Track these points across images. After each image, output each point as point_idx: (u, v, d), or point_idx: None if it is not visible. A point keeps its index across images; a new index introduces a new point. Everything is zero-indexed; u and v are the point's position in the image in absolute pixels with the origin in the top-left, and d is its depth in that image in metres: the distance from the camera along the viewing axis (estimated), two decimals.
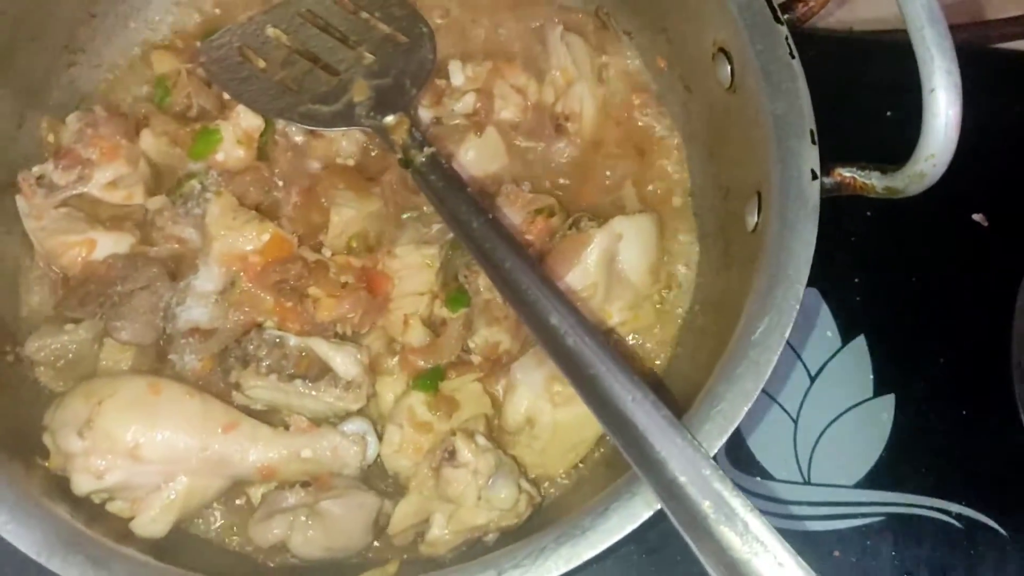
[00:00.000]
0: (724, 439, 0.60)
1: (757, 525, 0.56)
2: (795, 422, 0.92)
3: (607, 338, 0.70)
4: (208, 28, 0.88)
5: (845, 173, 0.67)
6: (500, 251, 0.67)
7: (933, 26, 0.58)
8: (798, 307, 0.63)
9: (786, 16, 0.72)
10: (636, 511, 0.59)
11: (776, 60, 0.70)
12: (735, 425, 0.60)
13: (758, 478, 0.90)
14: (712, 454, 0.59)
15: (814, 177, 0.66)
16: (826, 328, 0.95)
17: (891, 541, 0.88)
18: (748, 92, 0.72)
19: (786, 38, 0.70)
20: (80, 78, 0.86)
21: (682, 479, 0.57)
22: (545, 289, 0.65)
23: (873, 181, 0.66)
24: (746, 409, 0.61)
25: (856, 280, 0.97)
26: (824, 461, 0.91)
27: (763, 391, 0.89)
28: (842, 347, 0.95)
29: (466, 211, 0.69)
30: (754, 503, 0.85)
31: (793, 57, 0.70)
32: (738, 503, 0.56)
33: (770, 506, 0.89)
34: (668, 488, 0.57)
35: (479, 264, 0.70)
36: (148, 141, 0.82)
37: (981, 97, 1.02)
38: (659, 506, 0.58)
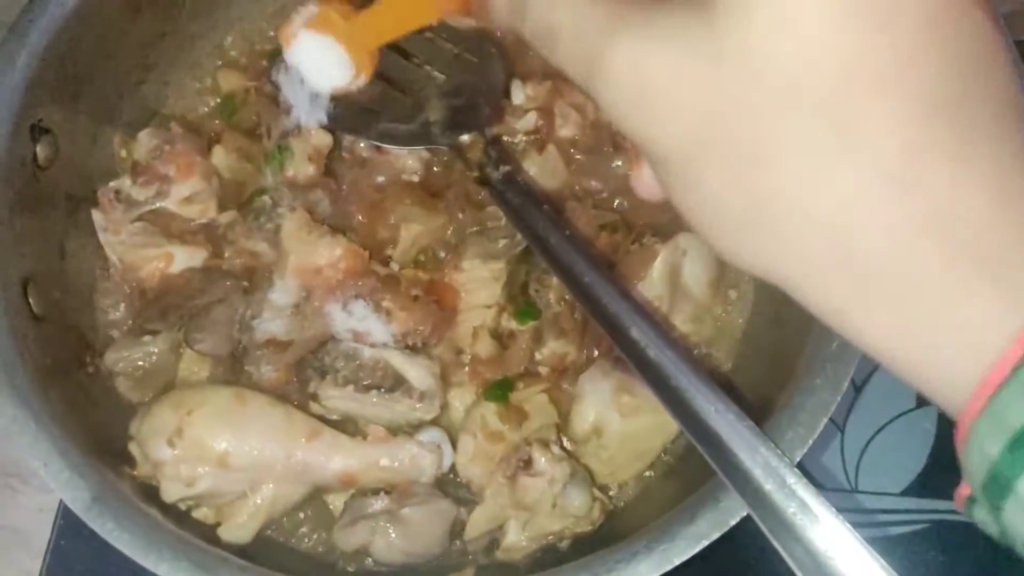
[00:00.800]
0: (806, 448, 0.63)
1: (840, 529, 0.58)
2: (842, 432, 0.95)
3: (687, 351, 0.72)
4: (274, 48, 0.91)
5: None
6: (579, 266, 0.69)
7: None
8: None
9: None
10: (723, 518, 0.61)
11: None
12: (816, 434, 0.63)
13: None
14: (795, 462, 0.61)
15: None
16: None
17: (939, 546, 0.91)
18: None
19: None
20: (150, 95, 0.89)
21: (767, 487, 0.59)
22: (624, 303, 0.68)
23: None
24: (825, 420, 0.63)
25: None
26: (871, 470, 0.94)
27: None
28: None
29: (543, 227, 0.71)
30: None
31: None
32: (822, 509, 0.59)
33: None
34: (754, 496, 0.59)
35: (559, 278, 0.72)
36: (220, 157, 0.84)
37: None
38: (746, 512, 0.60)
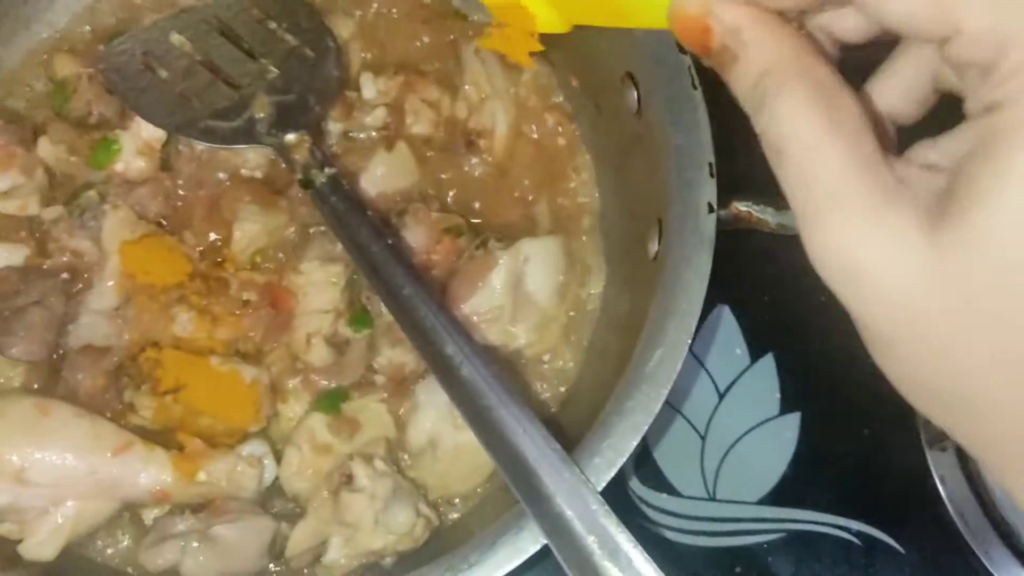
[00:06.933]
0: (613, 472, 0.60)
1: (640, 560, 0.56)
2: (703, 439, 0.93)
3: (502, 370, 0.70)
4: (115, 31, 0.86)
5: (741, 207, 0.68)
6: (398, 277, 0.67)
7: None
8: (690, 341, 0.64)
9: None
10: (523, 546, 0.59)
11: (679, 90, 0.70)
12: (625, 458, 0.61)
13: (664, 495, 0.91)
14: (600, 488, 0.59)
15: (711, 210, 0.66)
16: (735, 346, 0.96)
17: (792, 557, 0.90)
18: (652, 119, 0.72)
19: (689, 68, 0.70)
20: None
21: (569, 513, 0.58)
22: (442, 317, 0.65)
23: (768, 217, 0.67)
24: (636, 442, 0.61)
25: (766, 298, 0.98)
26: (729, 478, 0.92)
27: (673, 408, 0.93)
28: (751, 365, 0.96)
29: (366, 235, 0.68)
30: (660, 520, 0.89)
31: (696, 88, 0.70)
32: (623, 538, 0.57)
33: (676, 522, 0.90)
34: (555, 523, 0.57)
35: (375, 290, 0.69)
36: (46, 149, 0.79)
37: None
38: (545, 541, 0.58)
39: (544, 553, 0.59)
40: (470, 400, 0.62)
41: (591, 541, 0.57)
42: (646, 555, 0.56)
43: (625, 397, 0.62)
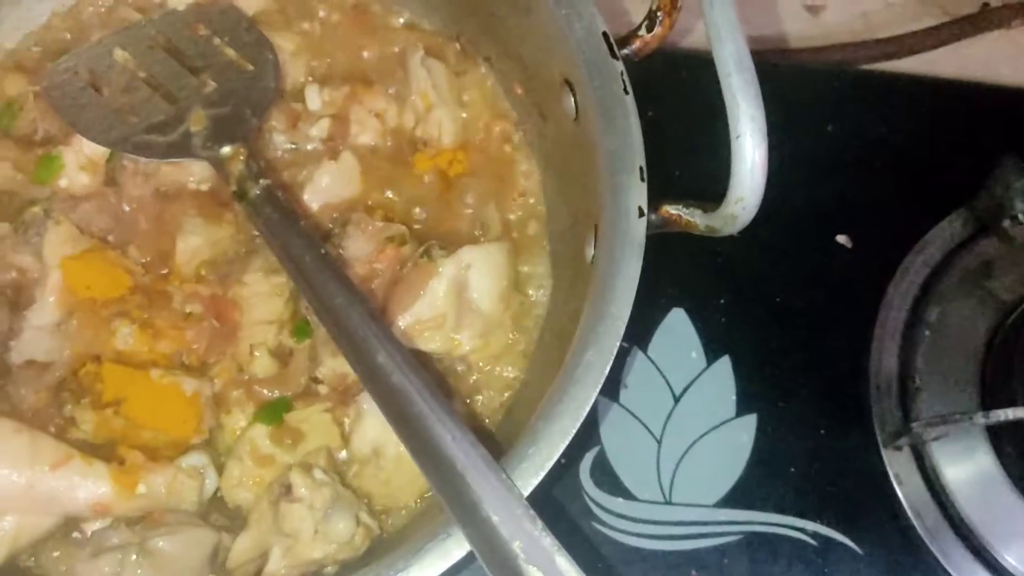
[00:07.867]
0: (540, 476, 0.60)
1: (564, 564, 0.56)
2: (659, 442, 0.93)
3: (435, 378, 0.70)
4: (64, 49, 0.86)
5: (671, 210, 0.68)
6: (330, 287, 0.67)
7: (740, 73, 0.59)
8: (618, 344, 0.64)
9: (623, 51, 0.73)
10: (449, 550, 0.59)
11: (611, 95, 0.71)
12: (552, 462, 0.61)
13: (620, 499, 0.91)
14: (527, 493, 0.60)
15: (641, 214, 0.67)
16: (691, 349, 0.96)
17: (748, 559, 0.90)
18: (588, 125, 0.73)
19: (621, 74, 0.71)
20: None
21: (495, 519, 0.58)
22: (374, 326, 0.66)
23: (696, 219, 0.67)
24: (563, 446, 0.61)
25: (722, 301, 0.98)
26: (686, 481, 0.92)
27: (628, 411, 0.93)
28: (707, 367, 0.96)
29: (299, 245, 0.69)
30: (616, 524, 0.89)
31: (627, 93, 0.70)
32: (547, 542, 0.57)
33: (632, 526, 0.90)
34: (480, 528, 0.58)
35: (307, 298, 0.69)
36: None
37: (848, 118, 1.06)
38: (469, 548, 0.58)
39: (475, 556, 0.59)
40: (398, 407, 0.62)
41: (516, 546, 0.57)
42: (570, 559, 0.56)
43: (555, 401, 0.62)
